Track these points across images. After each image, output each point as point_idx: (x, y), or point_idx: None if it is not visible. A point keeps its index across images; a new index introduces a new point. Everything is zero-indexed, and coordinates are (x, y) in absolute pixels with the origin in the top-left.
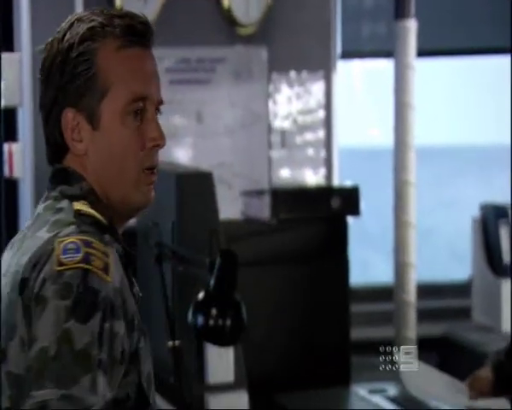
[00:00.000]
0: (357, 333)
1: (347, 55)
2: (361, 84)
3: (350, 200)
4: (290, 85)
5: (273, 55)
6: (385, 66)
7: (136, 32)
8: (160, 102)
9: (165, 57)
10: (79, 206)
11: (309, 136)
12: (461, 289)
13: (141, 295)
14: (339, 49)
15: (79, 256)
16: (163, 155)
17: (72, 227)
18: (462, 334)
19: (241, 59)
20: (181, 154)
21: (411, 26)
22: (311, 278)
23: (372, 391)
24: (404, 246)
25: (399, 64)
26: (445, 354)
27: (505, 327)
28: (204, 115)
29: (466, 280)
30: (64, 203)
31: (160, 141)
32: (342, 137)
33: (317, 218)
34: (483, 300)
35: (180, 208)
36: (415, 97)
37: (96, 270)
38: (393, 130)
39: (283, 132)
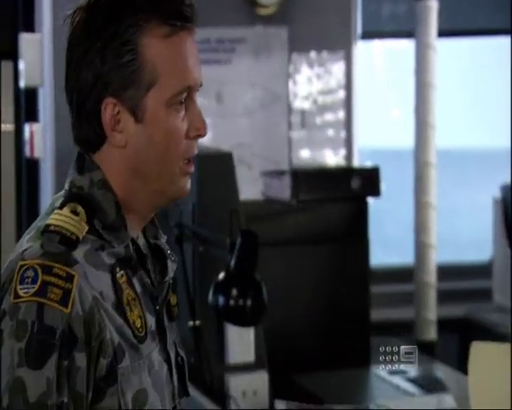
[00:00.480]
0: (378, 314)
1: (368, 35)
2: (381, 64)
3: (370, 181)
4: (310, 66)
5: (293, 35)
6: (405, 46)
7: (184, 17)
8: (201, 85)
9: None
10: (57, 216)
11: (329, 116)
12: (482, 271)
13: (169, 281)
14: (359, 29)
15: (35, 288)
16: None
17: (37, 247)
18: (483, 315)
19: (261, 39)
20: None
21: (432, 5)
22: (331, 259)
23: (392, 372)
24: (424, 227)
25: (420, 44)
26: (465, 335)
27: None
28: (224, 95)
29: (487, 261)
30: (58, 203)
31: (203, 131)
32: (363, 118)
33: (338, 198)
34: (504, 281)
35: (200, 189)
36: (436, 77)
37: (51, 303)
38: (414, 110)
39: (303, 113)
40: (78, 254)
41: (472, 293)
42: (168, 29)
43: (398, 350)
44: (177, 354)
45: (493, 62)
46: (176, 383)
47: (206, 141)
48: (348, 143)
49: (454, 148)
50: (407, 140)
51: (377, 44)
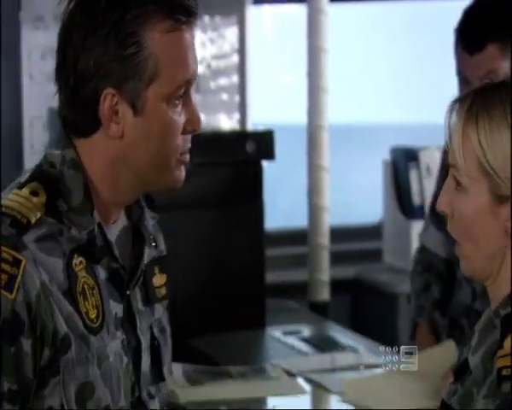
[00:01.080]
0: (273, 277)
1: (259, 0)
2: (272, 29)
3: (264, 144)
4: (203, 30)
5: None
6: (296, 11)
7: (188, 12)
8: (196, 77)
9: None
10: (13, 197)
11: (223, 81)
12: (372, 232)
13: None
14: None
15: None
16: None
17: None
18: (373, 275)
19: None
20: None
21: None
22: (226, 222)
23: (287, 333)
24: (317, 189)
25: (312, 8)
26: (357, 295)
27: None
28: None
29: (377, 223)
30: (23, 178)
31: (198, 126)
32: (256, 82)
33: (232, 162)
34: (393, 242)
35: None
36: (327, 41)
37: None
38: (307, 74)
39: (197, 77)
40: (30, 238)
41: (363, 254)
42: (172, 23)
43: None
44: (154, 338)
45: (387, 28)
46: (146, 369)
47: None
48: (242, 108)
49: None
50: (300, 105)
51: (268, 9)
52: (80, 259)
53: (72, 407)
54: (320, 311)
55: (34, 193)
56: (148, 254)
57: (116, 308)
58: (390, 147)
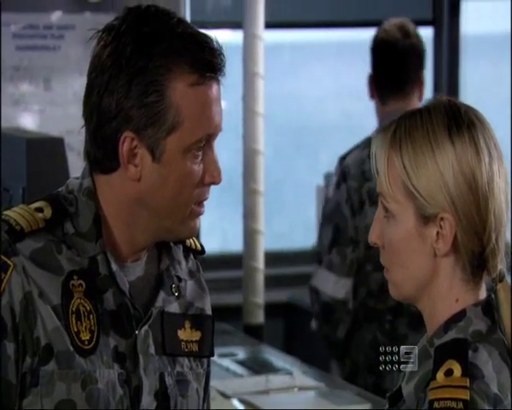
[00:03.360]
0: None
1: (194, 25)
2: None
3: None
4: None
5: None
6: (230, 37)
7: (214, 69)
8: (220, 130)
9: (12, 22)
10: (17, 209)
11: None
12: (306, 257)
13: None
14: (188, 18)
15: None
16: (9, 123)
17: None
18: (305, 299)
19: (90, 26)
20: (28, 121)
21: None
22: None
23: (221, 355)
24: (252, 213)
25: (248, 34)
26: (289, 318)
27: None
28: (52, 82)
29: (311, 248)
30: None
31: (218, 179)
32: None
33: None
34: None
35: (30, 173)
36: (263, 67)
37: None
38: (242, 99)
39: None
40: (26, 247)
41: (296, 278)
42: (197, 77)
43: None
44: (164, 386)
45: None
46: None
47: (33, 127)
48: None
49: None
50: (236, 129)
51: None
52: (80, 282)
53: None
54: (254, 334)
55: (39, 209)
56: (164, 300)
57: (118, 342)
58: (324, 173)
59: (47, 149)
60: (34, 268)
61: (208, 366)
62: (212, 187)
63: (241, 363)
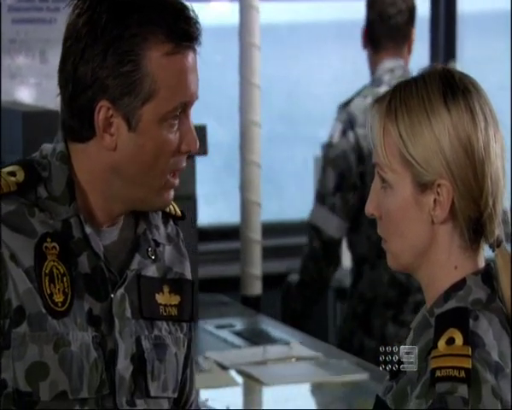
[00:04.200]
0: (206, 271)
1: None
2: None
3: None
4: None
5: None
6: (228, 8)
7: (190, 37)
8: (196, 98)
9: None
10: None
11: None
12: (304, 227)
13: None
14: None
15: None
16: (6, 96)
17: None
18: None
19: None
20: (25, 94)
21: None
22: None
23: (219, 326)
24: (249, 185)
25: (244, 5)
26: None
27: (345, 262)
28: (48, 55)
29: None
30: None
31: (194, 147)
32: None
33: None
34: None
35: (26, 146)
36: (259, 38)
37: None
38: (238, 70)
39: None
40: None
41: (294, 249)
42: (173, 46)
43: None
44: (141, 350)
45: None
46: (125, 375)
47: (30, 100)
48: None
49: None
50: (234, 99)
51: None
52: (54, 244)
53: (20, 383)
54: (252, 305)
55: (12, 173)
56: (139, 263)
57: (93, 305)
58: (322, 143)
59: (43, 122)
60: (6, 230)
61: (190, 330)
62: (212, 159)
63: (239, 334)
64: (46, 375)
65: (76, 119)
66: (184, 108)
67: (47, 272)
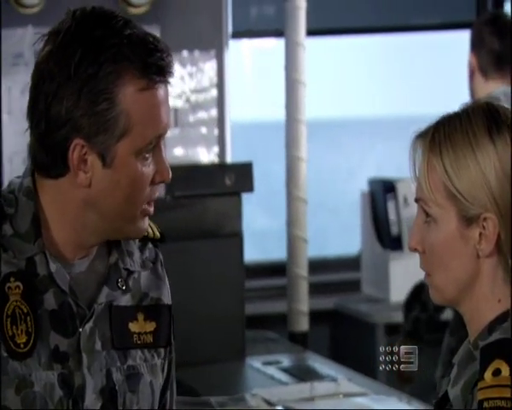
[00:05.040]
0: (252, 308)
1: (237, 34)
2: (251, 62)
3: (243, 176)
4: (183, 65)
5: (165, 34)
6: (273, 45)
7: (163, 72)
8: (168, 129)
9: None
10: None
11: (202, 114)
12: (351, 263)
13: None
14: (230, 28)
15: None
16: None
17: None
18: (351, 306)
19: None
20: None
21: (301, 5)
22: (206, 255)
23: (266, 363)
24: (296, 221)
25: (289, 42)
26: (335, 325)
27: (393, 297)
28: None
29: (356, 254)
30: None
31: (167, 177)
32: (235, 115)
33: (212, 194)
34: (372, 272)
35: None
36: (305, 74)
37: None
38: (285, 106)
39: (176, 111)
40: None
41: (341, 285)
42: (146, 82)
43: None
44: (111, 382)
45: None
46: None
47: None
48: (221, 140)
49: None
50: (279, 137)
51: (247, 43)
52: (17, 284)
53: None
54: (299, 341)
55: None
56: (108, 296)
57: (59, 342)
58: (368, 178)
59: None
60: None
61: (170, 352)
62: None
63: (286, 371)
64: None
65: (49, 156)
66: (157, 140)
67: (9, 313)
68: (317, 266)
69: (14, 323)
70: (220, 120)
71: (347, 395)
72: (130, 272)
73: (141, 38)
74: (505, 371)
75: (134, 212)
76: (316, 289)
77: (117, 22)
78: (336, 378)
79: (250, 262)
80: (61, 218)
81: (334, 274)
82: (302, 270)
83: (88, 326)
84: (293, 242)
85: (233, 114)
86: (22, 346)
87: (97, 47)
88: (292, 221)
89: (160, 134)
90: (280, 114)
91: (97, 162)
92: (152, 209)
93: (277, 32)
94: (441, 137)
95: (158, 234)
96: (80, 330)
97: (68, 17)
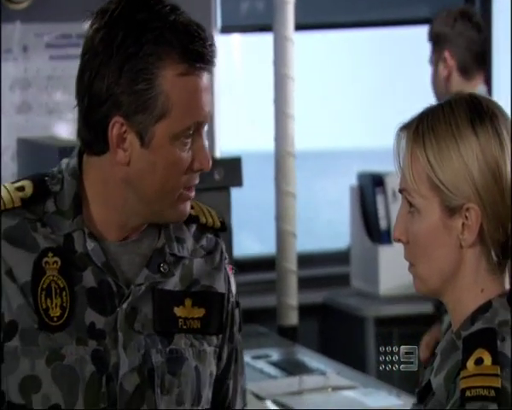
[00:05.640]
0: (242, 302)
1: (227, 29)
2: (241, 57)
3: (232, 171)
4: None
5: None
6: (263, 40)
7: (204, 59)
8: (210, 117)
9: (45, 33)
10: (8, 187)
11: None
12: (340, 258)
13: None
14: (219, 23)
15: None
16: (44, 132)
17: None
18: (340, 300)
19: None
20: (62, 129)
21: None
22: None
23: (255, 357)
24: (284, 215)
25: (278, 37)
26: (325, 319)
27: (382, 291)
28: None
29: (345, 248)
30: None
31: (206, 165)
32: (224, 110)
33: (201, 189)
34: (361, 266)
35: None
36: (294, 69)
37: None
38: (273, 101)
39: None
40: (1, 225)
41: (331, 279)
42: (186, 67)
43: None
44: (149, 363)
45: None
46: (129, 389)
47: (67, 135)
48: (210, 135)
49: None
50: (267, 132)
51: (236, 38)
52: (55, 259)
53: (13, 396)
54: (289, 335)
55: (20, 188)
56: (146, 278)
57: (96, 319)
58: (357, 172)
59: None
60: (6, 245)
61: (231, 342)
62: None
63: (275, 364)
64: (38, 388)
65: (91, 132)
66: (197, 127)
67: (44, 287)
68: (306, 260)
69: (48, 296)
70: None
71: (336, 388)
72: (178, 258)
73: (185, 24)
74: (487, 360)
75: (171, 196)
76: (305, 284)
77: (163, 7)
78: (325, 372)
79: (239, 256)
80: (102, 197)
81: (324, 268)
82: (291, 264)
83: (126, 306)
84: (282, 236)
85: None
86: (56, 319)
87: (140, 28)
88: (281, 215)
89: (199, 121)
90: (269, 108)
91: (136, 141)
92: (193, 194)
93: (266, 27)
94: (425, 128)
95: (218, 223)
96: (118, 309)
97: None
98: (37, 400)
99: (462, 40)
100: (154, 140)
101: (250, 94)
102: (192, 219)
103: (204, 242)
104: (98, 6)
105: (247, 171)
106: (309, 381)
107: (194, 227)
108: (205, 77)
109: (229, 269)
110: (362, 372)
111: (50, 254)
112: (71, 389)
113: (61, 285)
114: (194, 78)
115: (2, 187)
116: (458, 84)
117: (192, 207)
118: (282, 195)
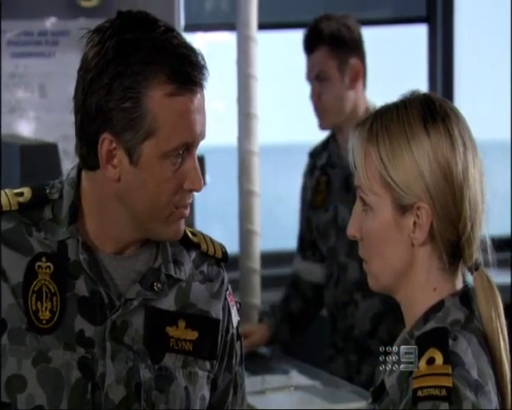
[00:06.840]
0: None
1: (191, 28)
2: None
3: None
4: None
5: None
6: (227, 39)
7: (189, 80)
8: (202, 138)
9: (7, 30)
10: (7, 192)
11: None
12: None
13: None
14: (182, 22)
15: None
16: (6, 130)
17: None
18: None
19: (85, 32)
20: (24, 127)
21: None
22: None
23: None
24: (248, 214)
25: (241, 36)
26: None
27: None
28: (47, 89)
29: None
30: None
31: (198, 186)
32: None
33: None
34: None
35: (25, 180)
36: (257, 68)
37: None
38: (237, 100)
39: None
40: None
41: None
42: (175, 88)
43: None
44: (137, 378)
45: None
46: (115, 399)
47: (29, 134)
48: None
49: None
50: (231, 131)
51: (199, 37)
52: (48, 264)
53: (0, 394)
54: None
55: (19, 194)
56: (137, 293)
57: (85, 327)
58: None
59: (41, 155)
60: (1, 247)
61: (229, 373)
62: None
63: None
64: (24, 388)
65: (84, 148)
66: (188, 147)
67: (35, 289)
68: (269, 259)
69: (39, 299)
70: None
71: (298, 387)
72: (175, 280)
73: (174, 45)
74: (439, 359)
75: (162, 213)
76: (268, 283)
77: (156, 28)
78: (287, 371)
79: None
80: (97, 210)
81: (287, 267)
82: (255, 263)
83: (116, 318)
84: (245, 235)
85: None
86: (45, 322)
87: (130, 48)
88: (244, 215)
89: (188, 142)
90: (233, 108)
91: (125, 159)
92: (187, 213)
93: (230, 26)
94: (378, 126)
95: (220, 253)
96: (108, 320)
97: (114, 17)
98: (21, 400)
99: (363, 46)
100: (142, 158)
101: (214, 93)
102: (193, 246)
103: (204, 268)
104: (61, 4)
105: (211, 167)
106: (271, 380)
107: (194, 254)
108: (196, 98)
109: (231, 300)
110: (324, 371)
111: (44, 259)
112: (55, 393)
113: (52, 290)
114: (184, 98)
115: (2, 192)
116: (360, 94)
117: (194, 235)
118: (245, 194)
